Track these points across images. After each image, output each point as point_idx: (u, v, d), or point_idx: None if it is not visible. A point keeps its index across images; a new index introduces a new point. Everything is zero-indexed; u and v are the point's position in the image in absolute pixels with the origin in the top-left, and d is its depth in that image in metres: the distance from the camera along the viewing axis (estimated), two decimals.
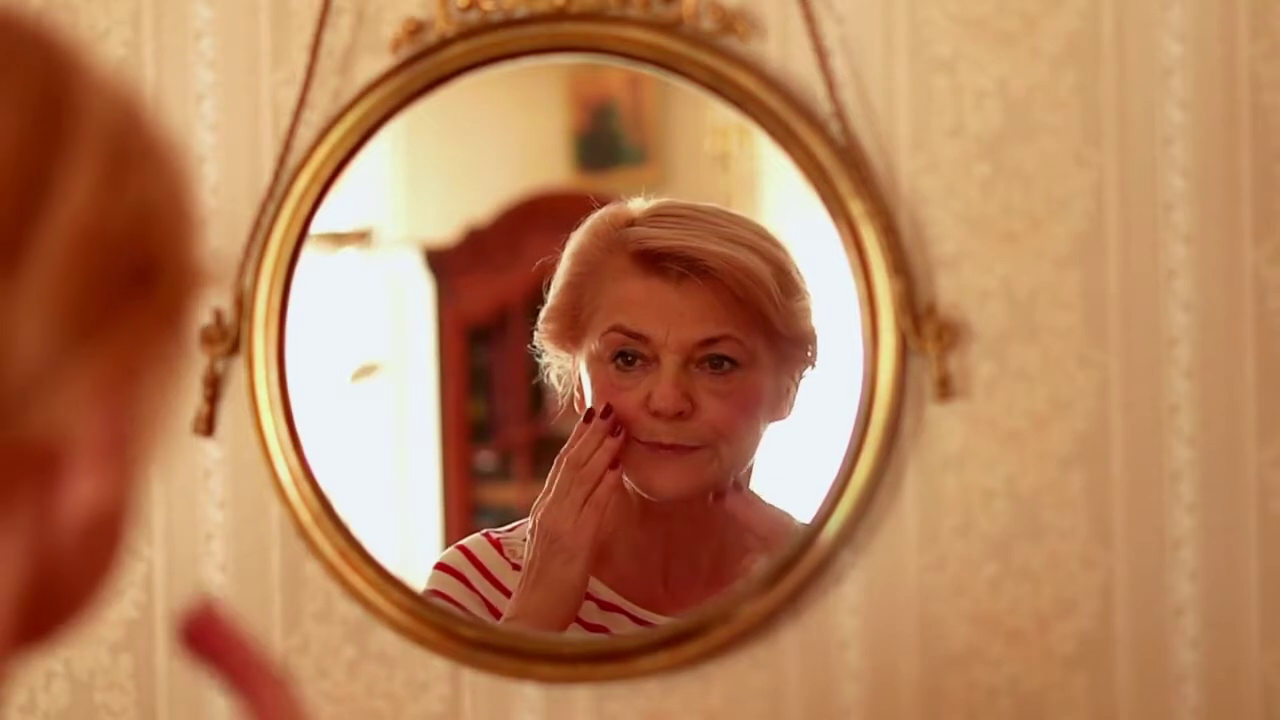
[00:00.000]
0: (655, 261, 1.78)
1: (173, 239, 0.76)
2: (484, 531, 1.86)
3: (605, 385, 1.79)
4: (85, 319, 0.71)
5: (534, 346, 1.84)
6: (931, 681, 1.73)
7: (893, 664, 1.74)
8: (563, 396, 1.84)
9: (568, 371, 1.84)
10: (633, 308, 1.79)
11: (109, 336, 0.72)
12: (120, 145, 0.74)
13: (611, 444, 1.78)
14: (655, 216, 1.81)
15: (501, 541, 1.84)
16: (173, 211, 0.76)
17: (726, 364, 1.78)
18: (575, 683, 1.78)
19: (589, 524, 1.78)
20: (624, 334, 1.79)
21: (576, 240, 1.82)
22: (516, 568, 1.82)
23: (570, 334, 1.82)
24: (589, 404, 1.80)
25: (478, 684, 1.81)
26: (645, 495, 1.80)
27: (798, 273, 1.81)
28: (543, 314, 1.84)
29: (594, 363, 1.80)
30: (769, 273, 1.78)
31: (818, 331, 1.82)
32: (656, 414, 1.77)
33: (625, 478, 1.79)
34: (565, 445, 1.79)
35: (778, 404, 1.82)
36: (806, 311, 1.81)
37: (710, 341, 1.78)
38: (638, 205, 1.82)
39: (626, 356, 1.79)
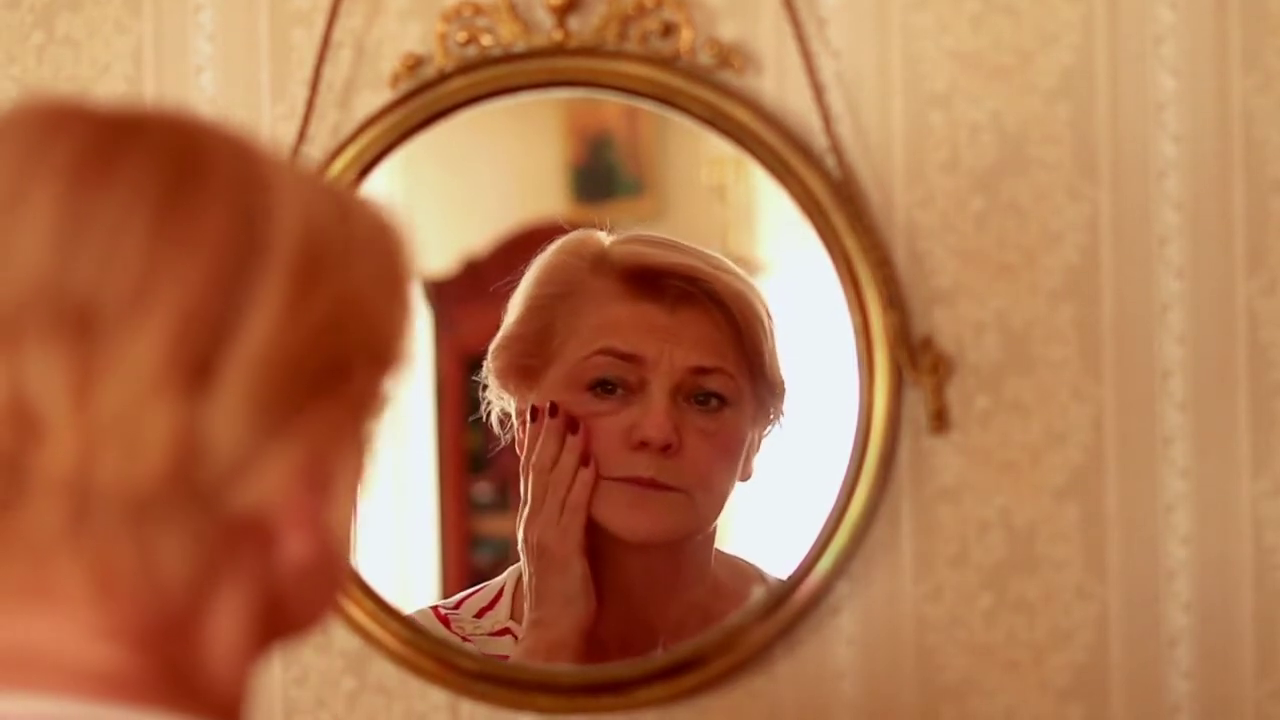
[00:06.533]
0: (650, 281, 1.72)
1: (368, 329, 0.88)
2: (432, 605, 1.82)
3: (581, 414, 1.71)
4: (277, 417, 0.84)
5: (476, 381, 1.78)
6: (927, 712, 1.73)
7: (889, 695, 1.74)
8: (504, 439, 1.78)
9: (509, 414, 1.76)
10: (624, 329, 1.72)
11: (303, 426, 0.84)
12: (313, 256, 0.85)
13: (574, 442, 1.70)
14: (638, 240, 1.75)
15: (450, 618, 1.80)
16: (372, 300, 0.88)
17: (714, 401, 1.72)
18: (573, 714, 1.78)
19: (572, 529, 1.71)
20: (614, 355, 1.71)
21: (545, 264, 1.76)
22: (467, 640, 1.77)
23: (528, 365, 1.74)
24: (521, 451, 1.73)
25: (476, 715, 1.82)
26: (619, 537, 1.72)
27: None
28: (496, 344, 1.76)
29: (565, 392, 1.72)
30: (762, 307, 1.74)
31: (786, 384, 1.76)
32: (642, 445, 1.70)
33: (596, 517, 1.72)
34: (524, 454, 1.74)
35: (747, 459, 1.75)
36: (778, 356, 1.76)
37: (703, 371, 1.71)
38: (604, 236, 1.77)
39: (607, 384, 1.72)
